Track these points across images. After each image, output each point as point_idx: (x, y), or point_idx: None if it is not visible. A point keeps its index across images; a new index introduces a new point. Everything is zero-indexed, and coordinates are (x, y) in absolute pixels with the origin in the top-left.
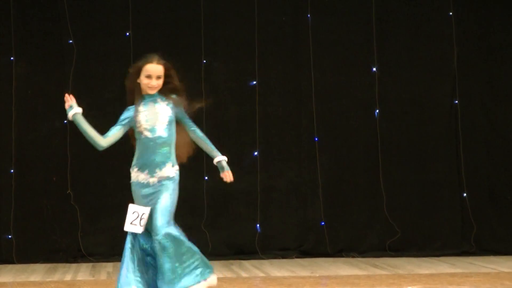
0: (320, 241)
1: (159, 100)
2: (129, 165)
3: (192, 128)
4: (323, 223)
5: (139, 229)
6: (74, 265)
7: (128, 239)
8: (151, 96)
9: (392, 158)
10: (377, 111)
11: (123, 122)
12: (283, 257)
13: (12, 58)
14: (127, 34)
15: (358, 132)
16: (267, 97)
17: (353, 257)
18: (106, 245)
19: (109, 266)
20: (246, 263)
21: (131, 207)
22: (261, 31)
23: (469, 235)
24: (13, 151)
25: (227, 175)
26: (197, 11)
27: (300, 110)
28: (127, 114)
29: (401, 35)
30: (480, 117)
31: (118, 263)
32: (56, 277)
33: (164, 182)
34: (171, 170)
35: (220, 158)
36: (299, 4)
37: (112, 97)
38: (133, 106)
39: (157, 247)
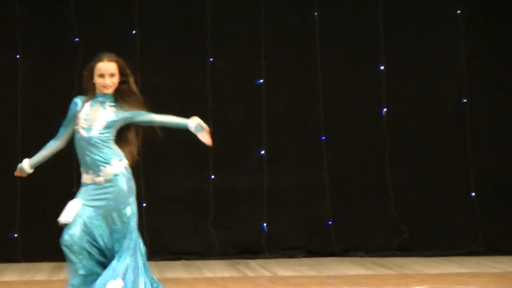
0: (327, 240)
1: (107, 104)
2: (136, 161)
3: (148, 116)
4: (330, 222)
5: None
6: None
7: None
8: (103, 96)
9: (400, 157)
10: (384, 110)
11: (70, 120)
12: (290, 256)
13: (17, 56)
14: (133, 32)
15: (365, 131)
16: (274, 96)
17: (360, 256)
18: None
19: None
20: (253, 263)
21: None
22: (268, 30)
23: (477, 234)
24: (18, 150)
25: (205, 137)
26: (203, 9)
27: (307, 109)
28: (72, 109)
29: (409, 34)
30: (488, 116)
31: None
32: (61, 276)
33: (114, 178)
34: (119, 165)
35: (192, 123)
36: (306, 3)
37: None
38: (81, 100)
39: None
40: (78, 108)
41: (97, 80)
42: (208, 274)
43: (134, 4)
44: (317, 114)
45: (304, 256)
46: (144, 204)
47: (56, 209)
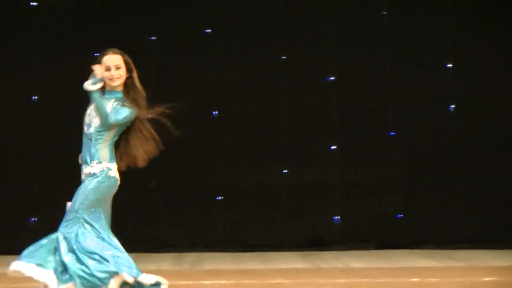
0: (397, 233)
1: (111, 102)
2: (212, 157)
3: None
4: (400, 215)
5: None
6: (157, 255)
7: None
8: (111, 93)
9: (467, 153)
10: (452, 106)
11: None
12: (361, 248)
13: (96, 54)
14: (207, 31)
15: (434, 127)
16: (345, 92)
17: (430, 249)
18: (188, 235)
19: (192, 256)
20: (325, 254)
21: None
22: (339, 28)
23: None
24: None
25: (98, 69)
26: (276, 7)
27: (377, 105)
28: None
29: (476, 32)
30: None
31: (200, 253)
32: (140, 266)
33: (87, 179)
34: (96, 167)
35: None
36: (376, 2)
37: (190, 92)
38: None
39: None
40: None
41: (104, 74)
42: (282, 265)
43: (209, 2)
44: (386, 110)
45: (376, 249)
46: (220, 197)
47: (132, 202)
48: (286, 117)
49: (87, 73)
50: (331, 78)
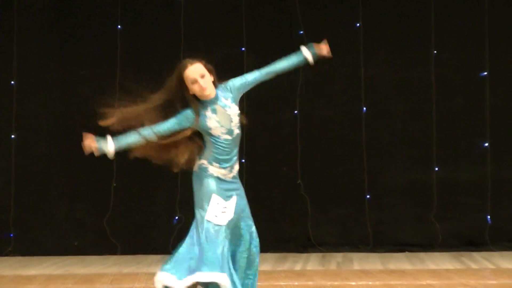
0: None
1: (223, 99)
2: (361, 154)
3: (262, 71)
4: None
5: (223, 222)
6: (304, 255)
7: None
8: (213, 100)
9: None
10: None
11: (180, 122)
12: None
13: (243, 49)
14: (357, 25)
15: None
16: (498, 88)
17: None
18: (336, 234)
19: (339, 256)
20: (476, 255)
21: (214, 198)
22: (492, 22)
23: None
24: (244, 142)
25: (324, 47)
26: (427, 2)
27: None
28: (187, 119)
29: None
30: None
31: (348, 253)
32: (286, 266)
33: (237, 179)
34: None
35: (303, 50)
36: None
37: (340, 88)
38: (190, 111)
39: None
40: (194, 121)
41: (194, 89)
42: (432, 266)
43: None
44: None
45: None
46: (368, 196)
47: (280, 200)
48: (437, 113)
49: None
50: (484, 73)
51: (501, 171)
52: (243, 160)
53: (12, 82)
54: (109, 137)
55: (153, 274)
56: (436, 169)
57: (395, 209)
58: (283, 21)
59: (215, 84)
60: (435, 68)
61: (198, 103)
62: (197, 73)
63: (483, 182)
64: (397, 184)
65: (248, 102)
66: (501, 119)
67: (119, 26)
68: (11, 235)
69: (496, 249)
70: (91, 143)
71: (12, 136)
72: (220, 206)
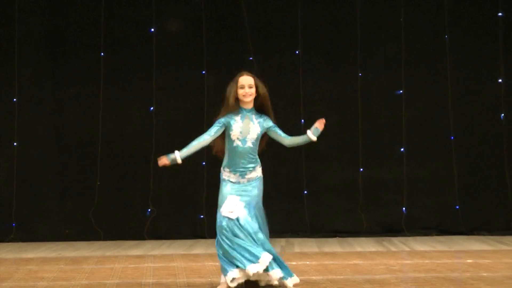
0: (455, 221)
1: (253, 117)
2: (302, 158)
3: (283, 135)
4: (457, 206)
5: (234, 216)
6: None
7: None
8: (248, 110)
9: None
10: (503, 114)
11: (221, 123)
12: (425, 235)
13: (203, 72)
14: (297, 52)
15: (487, 132)
16: (411, 104)
17: (483, 235)
18: (280, 223)
19: (282, 241)
20: (395, 240)
21: (230, 198)
22: (407, 49)
23: None
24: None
25: (321, 122)
26: (354, 32)
27: (439, 113)
28: (224, 119)
29: None
30: None
31: (290, 239)
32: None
33: (252, 183)
34: (259, 170)
35: (310, 134)
36: (438, 27)
37: (283, 104)
38: (229, 114)
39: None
40: (230, 120)
41: (239, 91)
42: (358, 249)
43: (297, 28)
44: (447, 118)
45: (437, 235)
46: (306, 192)
47: None
48: (363, 124)
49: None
50: (400, 91)
51: (414, 171)
52: (204, 163)
53: (14, 99)
54: (176, 152)
55: (130, 256)
56: (361, 170)
57: (328, 202)
58: (237, 48)
59: (257, 102)
60: (360, 87)
61: (236, 106)
62: (247, 82)
63: (400, 180)
64: (330, 182)
65: (208, 116)
66: (414, 129)
67: (102, 53)
68: (13, 224)
69: (410, 235)
70: (164, 161)
71: (15, 143)
72: (233, 204)
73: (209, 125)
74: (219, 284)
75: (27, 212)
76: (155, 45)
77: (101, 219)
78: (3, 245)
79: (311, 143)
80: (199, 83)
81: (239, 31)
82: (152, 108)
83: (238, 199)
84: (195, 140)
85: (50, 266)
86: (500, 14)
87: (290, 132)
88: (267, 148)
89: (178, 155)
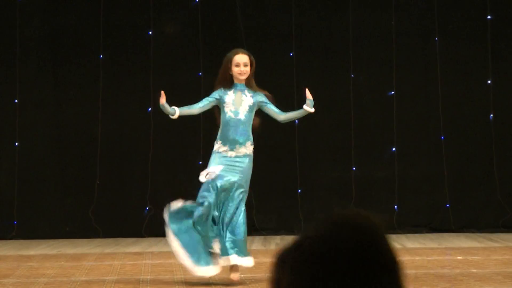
0: (445, 219)
1: (246, 92)
2: (295, 157)
3: (277, 110)
4: (448, 205)
5: (203, 179)
6: (249, 237)
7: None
8: (240, 85)
9: (504, 154)
10: (492, 115)
11: (214, 97)
12: (416, 232)
13: (200, 73)
14: (291, 54)
15: (477, 132)
16: (402, 105)
17: (472, 232)
18: (274, 221)
19: (277, 238)
20: None
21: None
22: (398, 51)
23: None
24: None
25: (307, 91)
26: (346, 36)
27: (429, 114)
28: (218, 93)
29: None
30: None
31: (285, 236)
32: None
33: (241, 159)
34: (249, 148)
35: (306, 106)
36: (429, 29)
37: (278, 105)
38: (222, 89)
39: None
40: (222, 94)
41: (234, 69)
42: None
43: (291, 32)
44: (437, 118)
45: (428, 232)
46: (300, 190)
47: None
48: (355, 125)
49: None
50: (392, 92)
51: (406, 170)
52: (200, 163)
53: (16, 101)
54: (176, 108)
55: (129, 253)
56: (354, 168)
57: (321, 201)
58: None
59: (250, 78)
60: (353, 89)
61: (230, 82)
62: (242, 60)
63: (391, 179)
64: (323, 180)
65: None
66: (405, 129)
67: (101, 56)
68: (15, 222)
69: (402, 232)
70: (161, 99)
71: (16, 143)
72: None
73: (205, 124)
74: (215, 280)
75: (28, 211)
76: (153, 47)
77: (100, 217)
78: (4, 242)
79: (309, 115)
80: (195, 85)
81: (235, 34)
82: (150, 109)
83: (221, 168)
84: (188, 106)
85: (51, 263)
86: (488, 17)
87: (285, 133)
88: (263, 147)
89: (177, 113)
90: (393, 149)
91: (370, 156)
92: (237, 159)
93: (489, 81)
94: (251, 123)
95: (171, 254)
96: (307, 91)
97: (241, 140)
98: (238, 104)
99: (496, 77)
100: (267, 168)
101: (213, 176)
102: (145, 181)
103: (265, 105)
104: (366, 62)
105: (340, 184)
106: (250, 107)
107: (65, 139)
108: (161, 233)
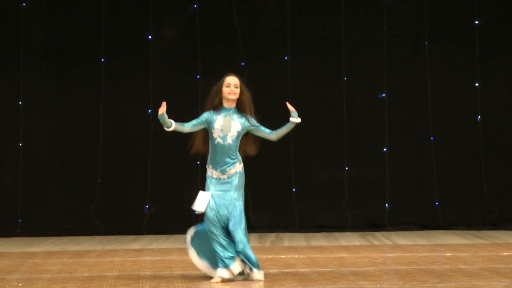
0: (435, 217)
1: (235, 116)
2: (290, 156)
3: (268, 131)
4: (437, 203)
5: (202, 210)
6: None
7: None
8: (229, 109)
9: (491, 153)
10: (479, 117)
11: (203, 120)
12: (406, 229)
13: (198, 76)
14: (286, 57)
15: (465, 133)
16: (393, 107)
17: (461, 229)
18: (270, 219)
19: (272, 235)
20: (378, 234)
21: (200, 193)
22: (389, 55)
23: None
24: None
25: (289, 105)
26: (339, 39)
27: (419, 116)
28: (207, 115)
29: (500, 58)
30: None
31: (280, 233)
32: None
33: (232, 178)
34: (238, 167)
35: (292, 119)
36: (419, 34)
37: (273, 107)
38: (212, 111)
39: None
40: (212, 118)
41: (224, 89)
42: (344, 243)
43: (286, 36)
44: (427, 120)
45: (417, 229)
46: (294, 189)
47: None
48: (348, 126)
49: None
50: (383, 95)
51: (396, 170)
52: (198, 163)
53: (20, 103)
54: (172, 121)
55: (129, 250)
56: (346, 168)
57: (315, 199)
58: (229, 55)
59: (239, 102)
60: (345, 91)
61: (219, 104)
62: (233, 81)
63: (382, 178)
64: (317, 180)
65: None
66: (396, 130)
67: (102, 59)
68: (19, 220)
69: (393, 230)
70: (161, 109)
71: (20, 144)
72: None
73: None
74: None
75: (32, 209)
76: (152, 51)
77: (102, 215)
78: (9, 239)
79: (298, 126)
80: (193, 88)
81: (232, 39)
82: (149, 110)
83: (210, 195)
84: (181, 123)
85: (54, 260)
86: (476, 22)
87: (285, 141)
88: (259, 148)
89: (173, 127)
90: (385, 149)
91: (362, 156)
92: (228, 179)
93: (476, 84)
94: (238, 145)
95: (170, 250)
96: (288, 105)
97: (230, 163)
98: (227, 129)
99: (483, 80)
100: (262, 168)
101: (203, 209)
102: (145, 180)
103: (256, 129)
104: (358, 66)
105: (333, 183)
106: (239, 133)
107: (67, 140)
108: (161, 231)
